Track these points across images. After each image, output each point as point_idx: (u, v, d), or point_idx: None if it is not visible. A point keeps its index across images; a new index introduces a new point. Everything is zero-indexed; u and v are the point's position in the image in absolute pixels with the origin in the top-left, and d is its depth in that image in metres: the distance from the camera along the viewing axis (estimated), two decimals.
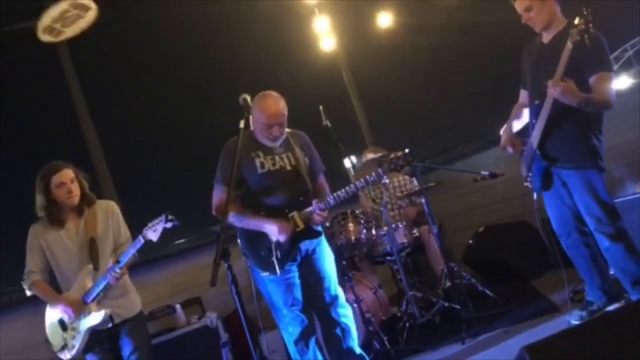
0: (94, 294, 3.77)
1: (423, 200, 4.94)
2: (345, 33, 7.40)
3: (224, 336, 5.23)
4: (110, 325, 3.83)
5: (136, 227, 3.80)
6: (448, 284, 5.06)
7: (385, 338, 4.66)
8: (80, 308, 3.78)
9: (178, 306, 5.41)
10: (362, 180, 3.77)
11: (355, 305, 4.53)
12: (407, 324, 4.82)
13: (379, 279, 5.41)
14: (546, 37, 3.83)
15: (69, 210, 3.93)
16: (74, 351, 3.82)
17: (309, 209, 3.78)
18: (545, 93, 3.60)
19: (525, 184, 4.04)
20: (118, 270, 3.68)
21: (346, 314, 3.99)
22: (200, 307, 5.65)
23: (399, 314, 5.11)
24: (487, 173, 4.89)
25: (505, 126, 4.12)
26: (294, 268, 3.89)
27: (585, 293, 4.06)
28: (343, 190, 3.78)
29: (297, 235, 3.80)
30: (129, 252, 3.69)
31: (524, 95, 4.11)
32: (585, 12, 3.40)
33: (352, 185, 3.77)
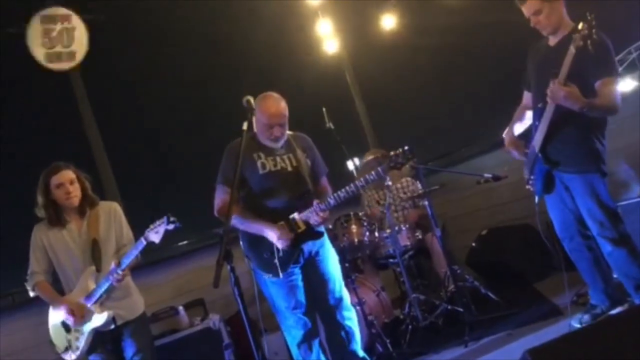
0: (97, 296, 3.77)
1: (426, 203, 4.93)
2: (348, 35, 7.40)
3: (226, 338, 5.23)
4: (112, 326, 3.83)
5: (139, 228, 3.81)
6: (451, 286, 5.06)
7: (388, 341, 4.65)
8: (82, 311, 3.79)
9: (181, 308, 5.40)
10: (362, 179, 3.74)
11: (358, 307, 4.52)
12: (410, 327, 4.81)
13: (381, 282, 5.41)
14: (552, 40, 3.80)
15: (71, 211, 3.94)
16: (77, 352, 3.83)
17: (310, 209, 3.78)
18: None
19: (527, 186, 4.03)
20: (120, 272, 3.68)
21: (350, 317, 3.98)
22: (203, 309, 5.66)
23: (401, 317, 5.11)
24: (490, 175, 4.87)
25: (507, 129, 4.11)
26: (297, 270, 3.89)
27: (589, 296, 4.05)
28: (343, 190, 3.76)
29: (298, 237, 3.80)
30: (131, 254, 3.69)
31: (527, 97, 4.10)
32: (589, 18, 3.37)
33: (352, 185, 3.75)
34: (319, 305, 3.95)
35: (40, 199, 3.90)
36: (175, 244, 6.49)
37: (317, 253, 3.93)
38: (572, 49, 3.42)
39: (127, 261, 3.69)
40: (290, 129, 3.96)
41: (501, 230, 6.01)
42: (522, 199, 5.08)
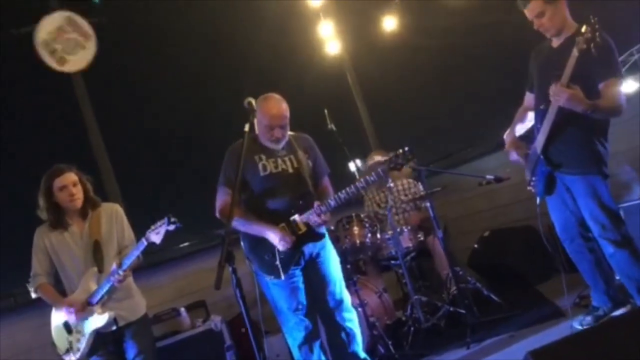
0: (98, 297, 3.78)
1: (428, 205, 4.92)
2: (349, 36, 7.40)
3: (228, 339, 5.23)
4: (114, 328, 3.83)
5: (140, 229, 3.82)
6: (453, 288, 5.05)
7: (389, 342, 4.64)
8: (84, 310, 3.79)
9: (183, 309, 5.41)
10: (362, 180, 3.74)
11: (359, 309, 4.52)
12: (412, 329, 4.81)
13: (383, 283, 5.40)
14: (556, 42, 3.79)
15: (73, 213, 3.94)
16: (78, 354, 3.83)
17: (310, 211, 3.77)
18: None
19: (529, 188, 4.03)
20: (121, 273, 3.69)
21: (351, 319, 3.97)
22: (204, 311, 5.65)
23: (403, 318, 5.10)
24: (492, 177, 4.87)
25: (508, 130, 4.11)
26: (298, 272, 3.89)
27: (591, 298, 4.05)
28: (344, 192, 3.76)
29: (299, 239, 3.80)
30: (132, 255, 3.69)
31: (529, 98, 4.09)
32: (592, 21, 3.37)
33: (352, 186, 3.75)
34: (320, 307, 3.95)
35: (42, 202, 3.90)
36: (176, 245, 6.49)
37: (317, 255, 3.93)
38: (575, 52, 3.41)
39: (128, 262, 3.69)
40: (291, 130, 3.96)
41: (503, 232, 6.01)
42: (524, 201, 5.07)
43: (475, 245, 6.12)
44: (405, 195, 5.74)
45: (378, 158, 5.60)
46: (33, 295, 4.07)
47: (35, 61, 5.79)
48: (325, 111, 5.28)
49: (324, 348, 4.01)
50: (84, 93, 8.11)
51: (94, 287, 3.81)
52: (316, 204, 3.76)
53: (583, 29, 3.38)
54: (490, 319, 4.68)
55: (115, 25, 7.20)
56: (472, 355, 4.25)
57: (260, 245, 3.81)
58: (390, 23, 7.08)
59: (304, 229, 3.80)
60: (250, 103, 3.43)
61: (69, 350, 3.88)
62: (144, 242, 3.62)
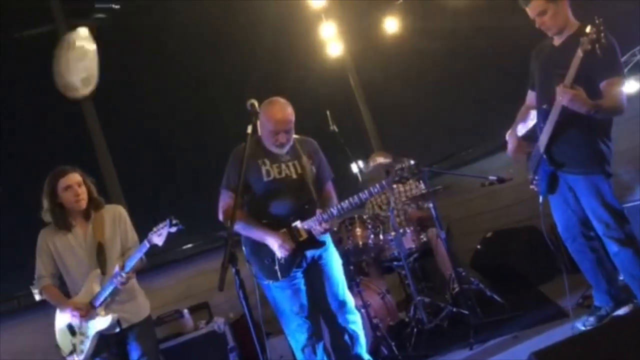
0: (102, 298, 3.79)
1: (430, 205, 4.92)
2: (352, 38, 7.39)
3: (231, 341, 5.23)
4: (117, 330, 3.84)
5: (142, 231, 3.83)
6: (456, 289, 5.05)
7: (393, 343, 4.65)
8: (88, 312, 3.80)
9: (186, 311, 5.42)
10: (365, 192, 3.76)
11: (362, 310, 4.52)
12: (415, 330, 4.81)
13: (386, 284, 5.40)
14: (557, 40, 3.79)
15: (77, 214, 3.95)
16: (82, 356, 3.84)
17: (312, 218, 3.77)
18: (554, 98, 3.58)
19: (531, 187, 4.03)
20: (124, 275, 3.70)
21: (354, 320, 3.96)
22: (207, 312, 5.66)
23: (406, 319, 5.11)
24: (494, 178, 4.86)
25: (510, 130, 4.11)
26: (300, 274, 3.88)
27: (593, 298, 4.04)
28: (347, 201, 3.77)
29: (300, 245, 3.79)
30: (135, 257, 3.71)
31: (531, 96, 4.09)
32: (597, 21, 3.36)
33: (355, 197, 3.76)
34: (323, 309, 3.94)
35: (46, 203, 3.90)
36: (179, 247, 6.49)
37: (320, 257, 3.92)
38: (579, 52, 3.40)
39: (131, 264, 3.70)
40: (295, 133, 3.94)
41: (506, 233, 6.01)
42: (526, 201, 5.08)
43: (478, 246, 6.12)
44: (407, 196, 5.74)
45: (380, 159, 5.63)
46: (37, 297, 4.09)
47: (34, 61, 5.81)
48: (327, 113, 5.29)
49: (328, 350, 4.00)
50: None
51: (97, 289, 3.82)
52: (318, 212, 3.76)
53: (588, 30, 3.37)
54: (493, 319, 4.68)
55: (116, 26, 7.21)
56: (475, 356, 4.25)
57: (260, 249, 3.80)
58: (392, 24, 7.07)
59: (305, 235, 3.80)
60: (253, 105, 3.38)
61: (72, 352, 3.90)
62: (147, 244, 3.64)
